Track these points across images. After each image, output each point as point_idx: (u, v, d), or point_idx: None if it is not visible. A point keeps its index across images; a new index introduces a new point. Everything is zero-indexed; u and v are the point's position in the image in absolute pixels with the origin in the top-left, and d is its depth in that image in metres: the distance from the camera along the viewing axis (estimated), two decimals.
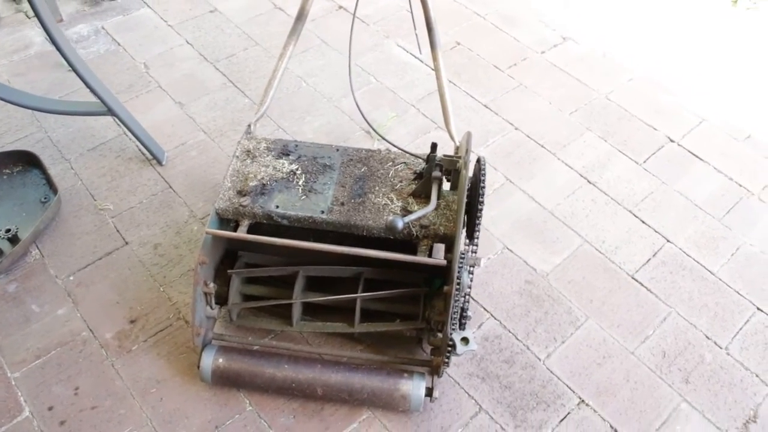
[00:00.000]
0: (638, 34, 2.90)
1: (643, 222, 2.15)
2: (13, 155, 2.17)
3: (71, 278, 1.94)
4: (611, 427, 1.69)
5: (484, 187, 1.61)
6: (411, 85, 2.57)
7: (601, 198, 2.21)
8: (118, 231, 2.06)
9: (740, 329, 1.90)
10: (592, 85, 2.62)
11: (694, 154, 2.39)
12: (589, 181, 2.26)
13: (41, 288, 1.91)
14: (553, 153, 2.35)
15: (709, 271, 2.03)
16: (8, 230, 1.98)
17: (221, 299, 1.73)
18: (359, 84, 2.56)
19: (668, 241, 2.10)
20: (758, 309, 1.95)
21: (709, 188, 2.28)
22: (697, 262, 2.05)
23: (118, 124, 2.35)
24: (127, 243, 2.03)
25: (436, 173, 1.65)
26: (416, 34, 2.00)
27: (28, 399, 1.69)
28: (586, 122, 2.47)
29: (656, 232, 2.13)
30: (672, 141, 2.43)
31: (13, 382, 1.72)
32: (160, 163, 2.24)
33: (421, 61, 2.67)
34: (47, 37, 1.85)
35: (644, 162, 2.34)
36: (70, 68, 1.94)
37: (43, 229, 2.03)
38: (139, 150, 2.29)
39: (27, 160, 2.17)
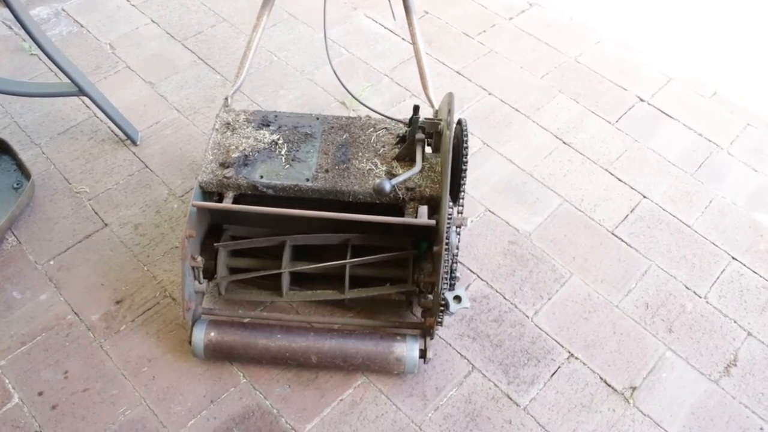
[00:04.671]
0: None
1: (619, 180, 2.19)
2: None
3: (51, 263, 1.90)
4: (601, 378, 1.73)
5: (467, 148, 1.62)
6: (383, 54, 2.56)
7: (578, 158, 2.25)
8: (96, 213, 2.02)
9: (717, 278, 1.96)
10: (561, 49, 2.64)
11: (664, 112, 2.43)
12: (564, 142, 2.29)
13: (21, 274, 1.87)
14: (528, 116, 2.37)
15: (685, 224, 2.09)
16: None
17: (208, 274, 1.72)
18: (331, 56, 2.53)
19: (644, 197, 2.15)
20: (733, 258, 2.01)
21: (680, 145, 2.33)
22: (674, 216, 2.10)
23: (88, 106, 2.30)
24: (106, 225, 2.00)
25: (420, 135, 1.66)
26: (389, 0, 1.99)
27: (16, 386, 1.66)
28: (557, 85, 2.49)
29: (632, 188, 2.17)
30: (642, 100, 2.47)
31: (0, 371, 1.69)
32: (134, 143, 2.20)
33: (392, 31, 2.66)
34: (5, 20, 1.80)
35: (616, 122, 2.38)
36: (33, 51, 1.88)
37: (19, 215, 1.98)
38: (112, 131, 2.24)
39: None
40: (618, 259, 1.98)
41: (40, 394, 1.65)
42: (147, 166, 2.15)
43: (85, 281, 1.86)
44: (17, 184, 2.04)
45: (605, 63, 2.60)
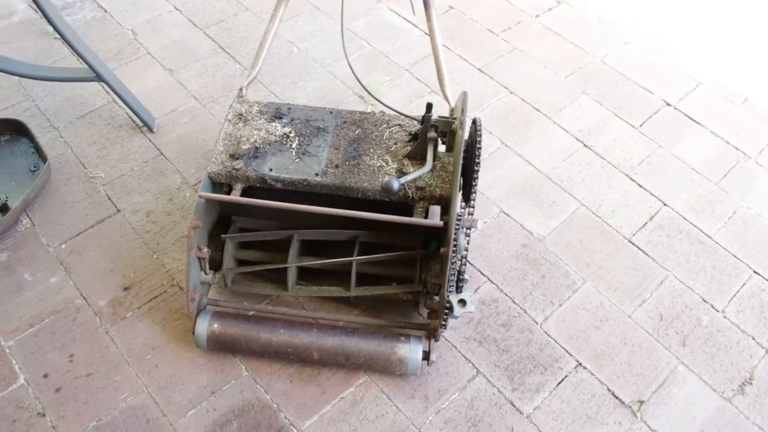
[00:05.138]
0: None
1: (640, 186, 2.14)
2: (1, 124, 2.12)
3: (63, 246, 1.91)
4: (608, 389, 1.69)
5: (480, 148, 1.59)
6: (404, 49, 2.53)
7: (598, 162, 2.19)
8: (109, 198, 2.03)
9: (737, 292, 1.90)
10: (587, 49, 2.58)
11: (691, 118, 2.36)
12: (585, 145, 2.24)
13: (33, 256, 1.89)
14: (549, 117, 2.32)
15: (706, 234, 2.02)
16: None
17: (215, 265, 1.71)
18: (352, 49, 2.52)
19: (665, 204, 2.09)
20: (755, 272, 1.94)
21: (706, 152, 2.26)
22: (694, 226, 2.04)
23: (107, 92, 2.31)
24: (119, 210, 2.00)
25: (432, 134, 1.63)
26: None
27: (22, 367, 1.68)
28: (581, 86, 2.44)
29: (653, 195, 2.11)
30: (668, 104, 2.40)
31: (7, 351, 1.70)
32: (150, 130, 2.21)
33: (415, 25, 2.62)
34: (31, 3, 1.80)
35: (640, 126, 2.32)
36: (57, 35, 1.89)
37: (34, 198, 2.00)
38: (130, 117, 2.25)
39: (15, 129, 2.13)
40: (634, 267, 1.93)
41: (45, 376, 1.66)
42: (162, 154, 2.15)
43: (95, 266, 1.87)
44: (34, 167, 2.06)
45: (632, 65, 2.53)
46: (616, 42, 2.63)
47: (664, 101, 2.41)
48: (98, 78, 2.01)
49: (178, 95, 2.33)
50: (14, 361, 1.69)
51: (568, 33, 2.65)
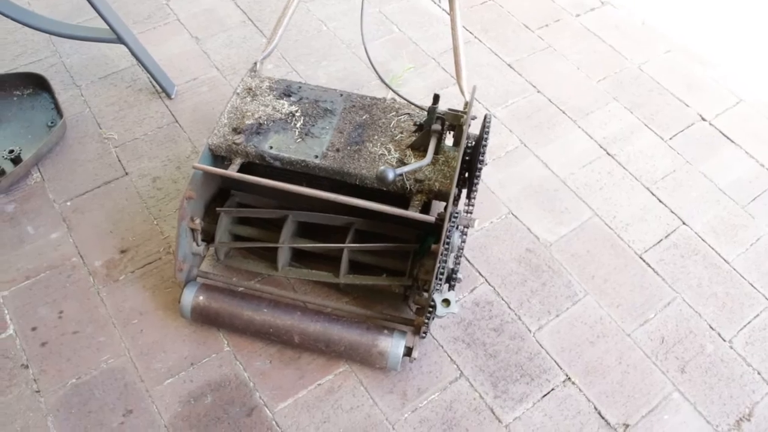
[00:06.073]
0: (681, 3, 2.74)
1: (660, 201, 2.04)
2: (25, 77, 2.14)
3: (68, 204, 1.93)
4: (595, 408, 1.62)
5: (485, 146, 1.53)
6: (434, 37, 2.47)
7: (619, 171, 2.11)
8: (119, 161, 2.04)
9: (748, 323, 1.81)
10: (625, 54, 2.48)
11: (726, 136, 2.25)
12: (608, 153, 2.15)
13: (38, 210, 1.91)
14: (574, 120, 2.24)
15: (723, 258, 1.93)
16: (11, 151, 1.97)
17: (210, 237, 1.70)
18: (381, 33, 2.47)
19: (684, 223, 2.00)
20: None
21: (737, 172, 2.15)
22: (712, 249, 1.95)
23: (131, 54, 2.31)
24: (127, 173, 2.01)
25: (436, 126, 1.58)
26: None
27: (14, 318, 1.70)
28: (613, 91, 2.34)
29: (672, 212, 2.02)
30: (704, 119, 2.29)
31: (1, 300, 1.73)
32: (169, 96, 2.21)
33: (448, 14, 2.55)
34: None
35: (670, 139, 2.22)
36: None
37: (46, 153, 2.02)
38: (150, 82, 2.25)
39: (38, 83, 2.15)
40: (641, 285, 1.85)
41: (34, 329, 1.68)
42: (177, 121, 2.15)
43: (96, 226, 1.88)
44: (51, 123, 2.08)
45: (671, 74, 2.42)
46: (657, 49, 2.52)
47: (700, 115, 2.30)
48: (119, 40, 2.02)
49: (200, 64, 2.33)
50: (6, 311, 1.71)
51: (607, 35, 2.55)
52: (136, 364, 1.63)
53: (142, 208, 1.93)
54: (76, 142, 2.07)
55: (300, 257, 1.74)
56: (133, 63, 2.30)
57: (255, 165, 1.67)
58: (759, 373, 1.71)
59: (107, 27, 2.01)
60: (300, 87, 1.77)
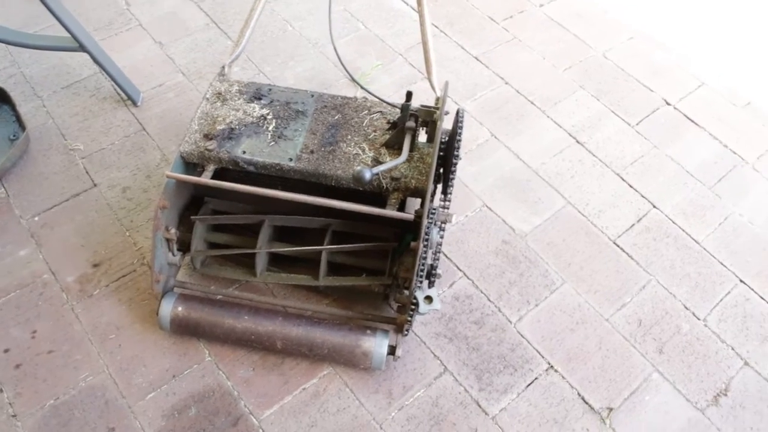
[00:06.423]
0: None
1: (631, 186, 2.08)
2: None
3: (36, 219, 1.88)
4: (578, 394, 1.65)
5: (460, 141, 1.53)
6: (400, 33, 2.47)
7: (589, 159, 2.13)
8: (87, 172, 2.00)
9: (720, 300, 1.85)
10: (589, 42, 2.51)
11: (690, 119, 2.29)
12: (577, 141, 2.18)
13: (4, 227, 1.86)
14: (543, 110, 2.26)
15: (694, 239, 1.97)
16: None
17: (185, 246, 1.68)
18: (347, 30, 2.46)
19: (654, 206, 2.03)
20: (741, 281, 1.89)
21: (703, 154, 2.19)
22: (683, 230, 1.98)
23: (94, 62, 2.27)
24: (95, 185, 1.97)
25: (410, 123, 1.58)
26: None
27: None
28: (579, 80, 2.37)
29: (643, 197, 2.05)
30: (668, 104, 2.33)
31: None
32: (135, 104, 2.17)
33: (414, 9, 2.56)
34: None
35: (637, 124, 2.25)
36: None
37: (10, 167, 1.97)
38: (115, 90, 2.21)
39: None
40: (616, 270, 1.88)
41: (6, 351, 1.64)
42: (144, 129, 2.11)
43: (66, 241, 1.84)
44: (14, 136, 2.03)
45: (634, 61, 2.46)
46: (620, 36, 2.56)
47: (664, 100, 2.34)
48: (81, 48, 1.97)
49: (165, 69, 2.29)
50: None
51: (571, 25, 2.58)
52: (116, 380, 1.60)
53: (113, 219, 1.89)
54: (40, 154, 2.03)
55: (278, 261, 1.73)
56: (96, 71, 2.25)
57: (228, 171, 1.65)
58: (733, 349, 1.76)
59: (68, 35, 1.96)
60: (270, 89, 1.75)
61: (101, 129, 2.10)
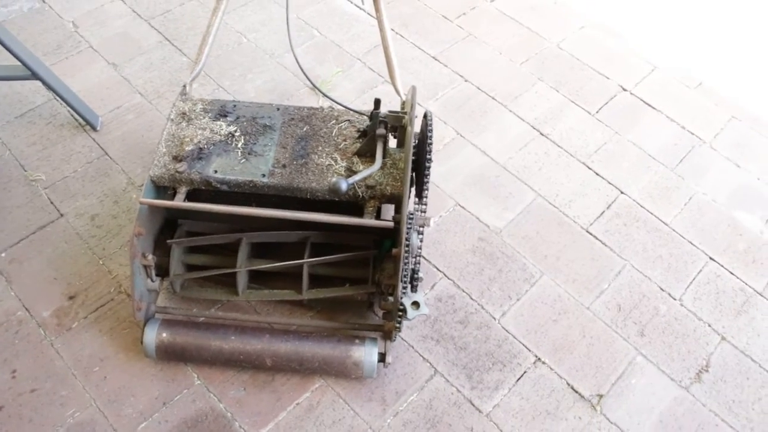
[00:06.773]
0: None
1: (597, 174, 2.12)
2: None
3: (3, 255, 1.83)
4: (568, 384, 1.68)
5: (431, 143, 1.54)
6: (356, 38, 2.47)
7: (554, 150, 2.17)
8: (52, 202, 1.94)
9: (693, 279, 1.90)
10: (543, 34, 2.55)
11: (647, 103, 2.35)
12: (541, 134, 2.21)
13: None
14: (505, 105, 2.29)
15: (662, 221, 2.02)
16: None
17: (163, 271, 1.65)
18: (302, 38, 2.45)
19: (622, 192, 2.08)
20: (710, 258, 1.95)
21: (662, 137, 2.25)
22: (651, 213, 2.04)
23: (48, 89, 2.21)
24: (62, 215, 1.92)
25: (381, 131, 1.58)
26: None
27: None
28: (537, 72, 2.41)
29: (610, 183, 2.10)
30: (624, 90, 2.39)
31: None
32: (94, 128, 2.12)
33: (367, 13, 2.56)
34: None
35: (597, 112, 2.30)
36: None
37: None
38: (72, 116, 2.15)
39: None
40: (591, 258, 1.92)
41: None
42: (107, 154, 2.06)
43: (37, 275, 1.79)
44: None
45: (588, 50, 2.51)
46: (572, 26, 2.60)
47: (621, 86, 2.40)
48: (33, 76, 1.92)
49: (122, 91, 2.24)
50: None
51: (524, 18, 2.61)
52: (105, 413, 1.57)
53: (85, 249, 1.85)
54: (0, 188, 1.96)
55: (259, 277, 1.72)
56: (50, 98, 2.19)
57: (201, 191, 1.63)
58: (709, 325, 1.81)
59: (18, 63, 1.90)
60: (235, 105, 1.73)
61: (62, 157, 2.05)
